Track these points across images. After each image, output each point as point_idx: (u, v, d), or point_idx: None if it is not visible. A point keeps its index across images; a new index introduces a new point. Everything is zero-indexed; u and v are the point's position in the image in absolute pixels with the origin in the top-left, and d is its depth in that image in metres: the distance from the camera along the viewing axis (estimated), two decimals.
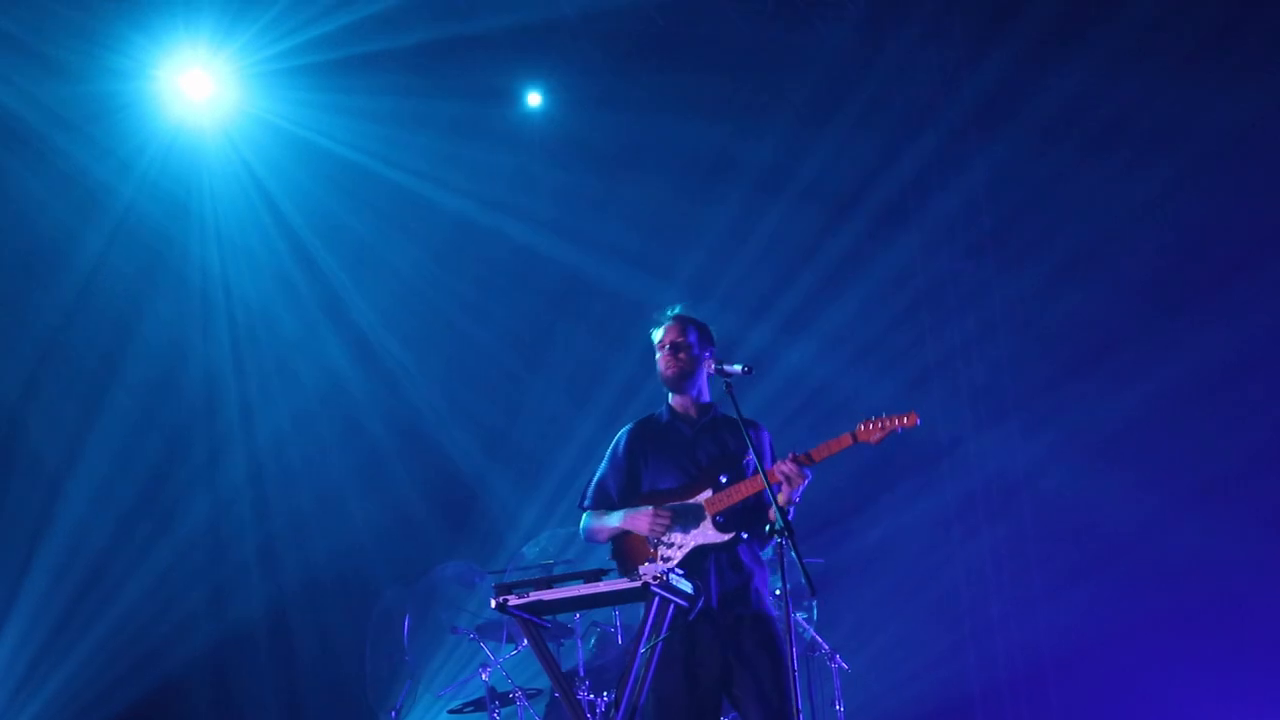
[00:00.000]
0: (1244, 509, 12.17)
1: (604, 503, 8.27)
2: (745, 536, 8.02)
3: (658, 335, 8.34)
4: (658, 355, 8.32)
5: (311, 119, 12.75)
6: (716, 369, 7.97)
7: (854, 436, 8.00)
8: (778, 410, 12.52)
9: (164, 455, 12.80)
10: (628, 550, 8.11)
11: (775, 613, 8.12)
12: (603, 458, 8.44)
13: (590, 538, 8.38)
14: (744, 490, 7.98)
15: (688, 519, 8.03)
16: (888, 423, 8.01)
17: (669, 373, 8.27)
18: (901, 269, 13.33)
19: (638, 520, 8.06)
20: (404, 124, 12.99)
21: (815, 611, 11.31)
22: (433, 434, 13.39)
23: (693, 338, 8.31)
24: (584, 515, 8.35)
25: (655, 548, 8.01)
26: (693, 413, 8.33)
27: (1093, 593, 12.61)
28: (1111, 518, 12.62)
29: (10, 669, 12.08)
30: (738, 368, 7.93)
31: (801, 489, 7.87)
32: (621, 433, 8.42)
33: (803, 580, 7.60)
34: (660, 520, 8.01)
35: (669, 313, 8.41)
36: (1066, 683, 12.73)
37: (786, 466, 7.85)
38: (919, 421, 8.03)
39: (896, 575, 13.08)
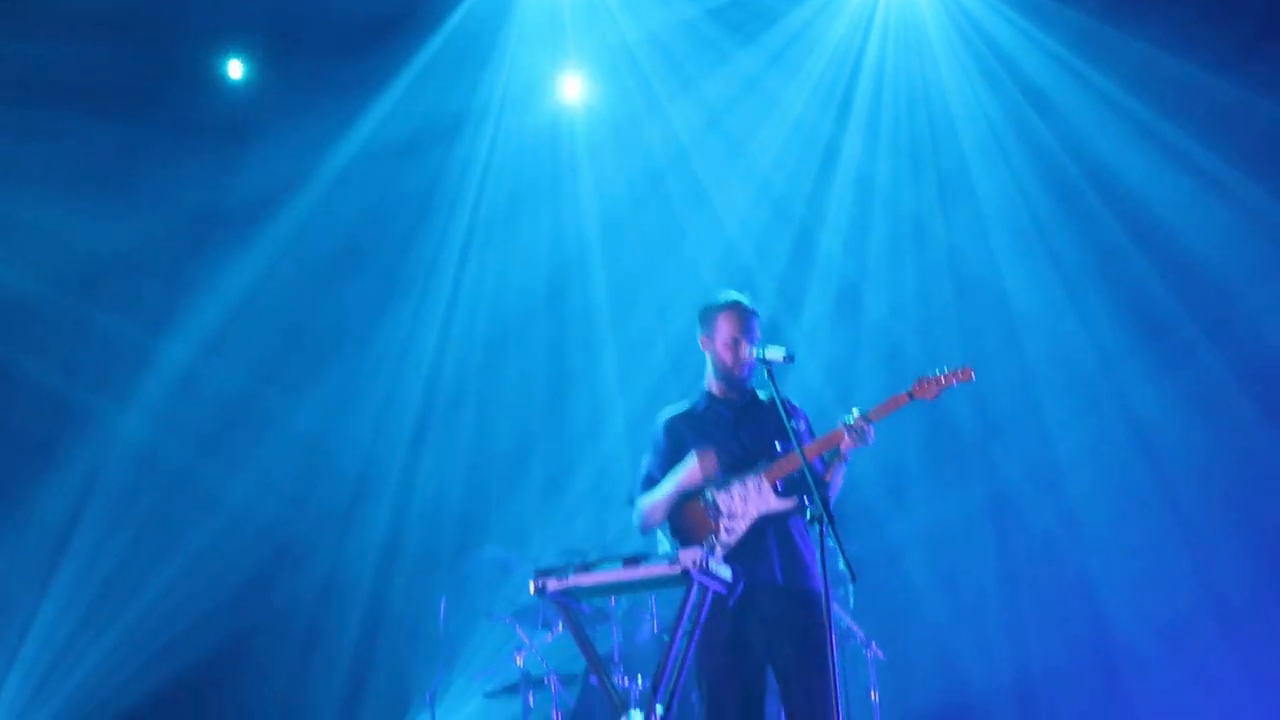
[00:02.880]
0: None
1: None
2: (808, 503, 7.99)
3: (736, 324, 8.26)
4: (733, 346, 8.24)
5: (348, 100, 12.84)
6: (759, 356, 7.97)
7: (910, 394, 8.02)
8: (812, 399, 12.53)
9: (203, 440, 12.84)
10: (688, 525, 8.10)
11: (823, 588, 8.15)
12: (643, 451, 8.44)
13: (647, 525, 8.33)
14: (797, 460, 7.93)
15: (747, 490, 8.03)
16: (944, 379, 8.03)
17: (744, 372, 8.23)
18: (939, 259, 13.31)
19: (691, 473, 8.05)
20: (444, 110, 13.08)
21: (852, 599, 11.32)
22: (473, 418, 13.41)
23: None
24: (635, 508, 8.33)
25: (717, 520, 8.00)
26: (734, 397, 8.33)
27: (1130, 587, 12.59)
28: (1150, 512, 12.60)
29: (49, 639, 12.16)
30: (780, 353, 7.93)
31: (846, 464, 7.89)
32: (659, 424, 8.40)
33: (841, 566, 7.62)
34: (708, 458, 8.00)
35: (748, 303, 8.36)
36: (1101, 677, 12.71)
37: (855, 425, 7.86)
38: (973, 377, 8.05)
39: (932, 565, 13.07)
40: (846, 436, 7.89)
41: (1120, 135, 12.75)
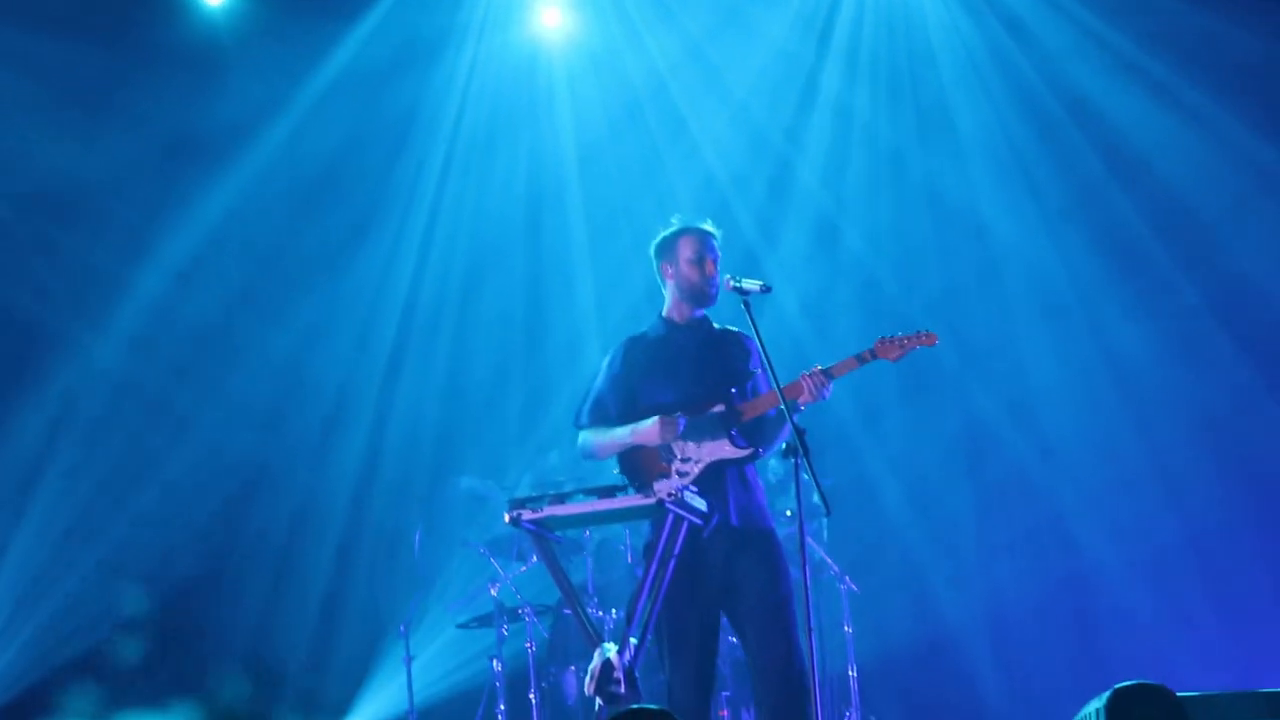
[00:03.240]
0: (1263, 438, 12.18)
1: (602, 420, 8.23)
2: (762, 452, 8.03)
3: (697, 247, 8.22)
4: (698, 263, 8.20)
5: (325, 27, 12.75)
6: (735, 285, 7.92)
7: (872, 353, 8.00)
8: (787, 331, 12.52)
9: (178, 368, 12.78)
10: (639, 465, 8.08)
11: (775, 526, 8.16)
12: (595, 375, 8.41)
13: (590, 456, 8.34)
14: (763, 405, 7.96)
15: (701, 433, 8.00)
16: (906, 342, 8.01)
17: (713, 289, 8.19)
18: (919, 191, 13.26)
19: (649, 432, 8.02)
20: (420, 36, 12.99)
21: (826, 532, 11.33)
22: (450, 347, 13.36)
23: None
24: (581, 434, 8.31)
25: (669, 462, 7.99)
26: (692, 325, 8.29)
27: (1101, 521, 12.62)
28: (1124, 446, 12.62)
29: (22, 572, 12.13)
30: (756, 285, 7.89)
31: (810, 404, 7.87)
32: (615, 348, 8.37)
33: (816, 499, 7.61)
34: (670, 426, 7.97)
35: (710, 227, 8.33)
36: (1071, 609, 12.75)
37: (815, 379, 7.83)
38: (937, 342, 8.04)
39: (906, 498, 13.08)
40: (806, 390, 7.86)
41: (1101, 68, 12.69)
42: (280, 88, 12.78)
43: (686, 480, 7.84)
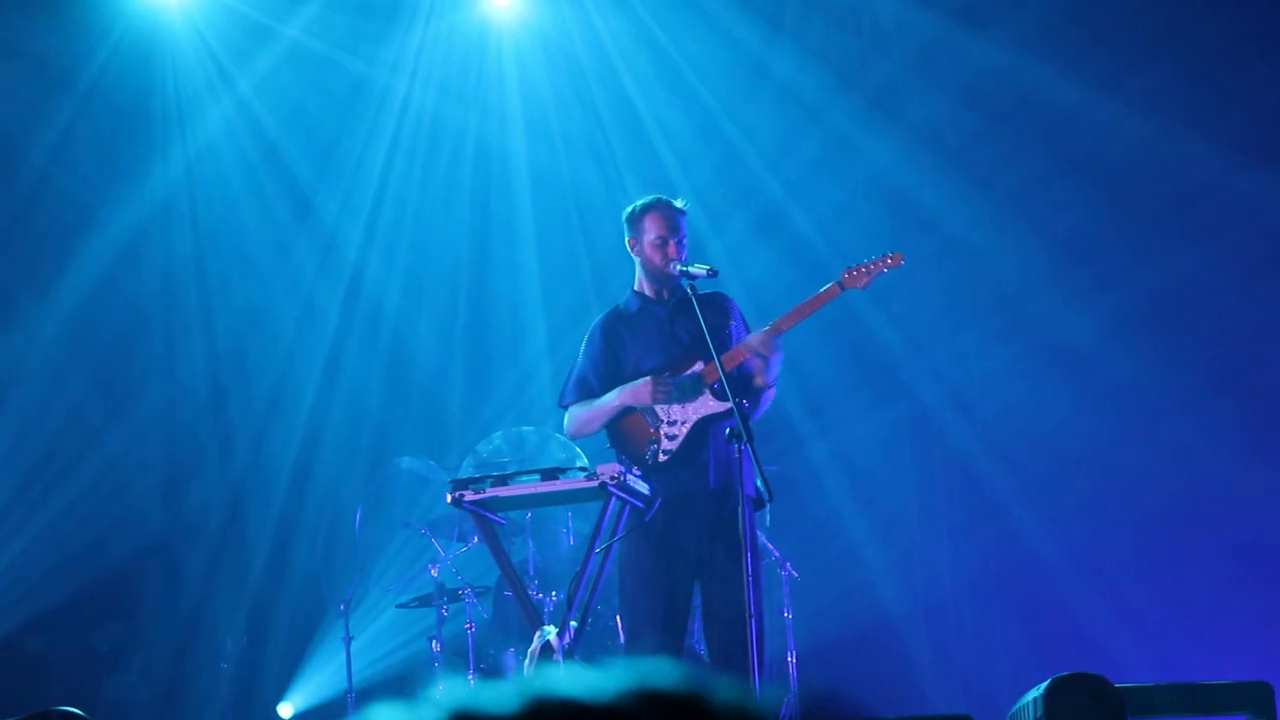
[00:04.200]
0: (1205, 430, 12.22)
1: (586, 397, 8.22)
2: (746, 404, 7.98)
3: (662, 222, 8.19)
4: (661, 245, 8.18)
5: (276, 6, 12.67)
6: (681, 270, 7.94)
7: (840, 285, 8.00)
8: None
9: (120, 343, 12.73)
10: (628, 434, 8.06)
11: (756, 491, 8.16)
12: (577, 355, 8.40)
13: (579, 432, 8.32)
14: (742, 353, 7.94)
15: (686, 393, 7.99)
16: (873, 266, 8.01)
17: (675, 272, 8.15)
18: (866, 179, 13.26)
19: (638, 392, 7.99)
20: (371, 14, 12.92)
21: (769, 518, 11.35)
22: (393, 328, 13.33)
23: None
24: (567, 413, 8.29)
25: (657, 427, 7.97)
26: (665, 296, 8.28)
27: (1043, 511, 12.67)
28: (1066, 435, 12.67)
29: None
30: (703, 270, 7.90)
31: (775, 364, 7.86)
32: (594, 325, 8.36)
33: (759, 484, 7.62)
34: (662, 388, 7.95)
35: (678, 202, 8.32)
36: (1011, 598, 12.80)
37: (756, 339, 7.84)
38: (904, 262, 8.04)
39: (848, 485, 13.10)
40: (750, 354, 7.87)
41: (1052, 58, 12.72)
42: (227, 63, 12.73)
43: (676, 443, 7.83)
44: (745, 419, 7.52)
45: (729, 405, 7.93)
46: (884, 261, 8.02)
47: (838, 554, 12.86)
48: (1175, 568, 12.27)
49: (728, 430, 7.55)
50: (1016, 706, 6.23)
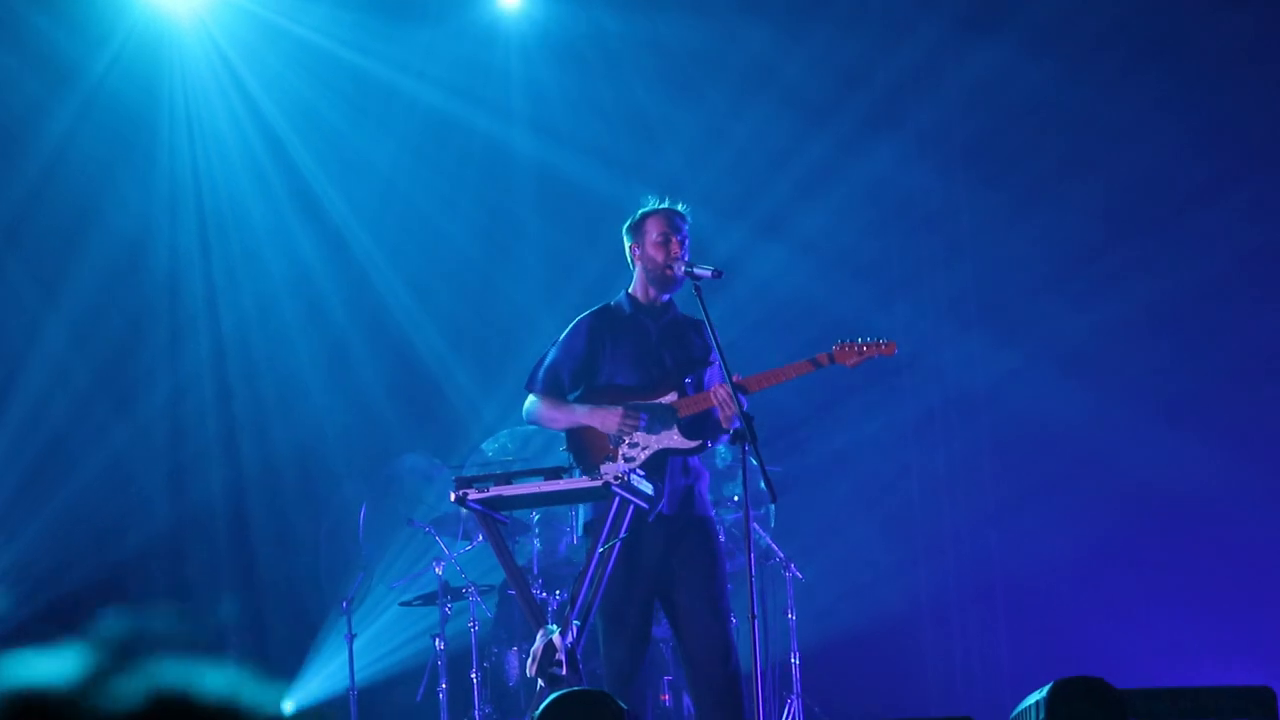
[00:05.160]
0: (1209, 433, 12.22)
1: (554, 389, 8.20)
2: (710, 445, 8.05)
3: (664, 223, 8.17)
4: (664, 244, 8.15)
5: (285, 4, 12.66)
6: (687, 271, 7.94)
7: (830, 358, 7.99)
8: (740, 318, 12.51)
9: (125, 338, 12.72)
10: (587, 444, 8.08)
11: (715, 515, 8.19)
12: (555, 342, 8.38)
13: (537, 422, 8.32)
14: (702, 403, 7.96)
15: (653, 420, 8.01)
16: (866, 348, 8.00)
17: (680, 269, 8.12)
18: (873, 181, 13.26)
19: (607, 419, 8.01)
20: (381, 13, 12.90)
21: (772, 519, 11.35)
22: (398, 326, 13.33)
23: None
24: (530, 397, 8.28)
25: (617, 446, 7.98)
26: (657, 308, 8.28)
27: (1047, 514, 12.66)
28: (1071, 438, 12.67)
29: None
30: (708, 270, 7.91)
31: (737, 418, 7.81)
32: (581, 320, 8.34)
33: (762, 485, 7.62)
34: (630, 422, 7.97)
35: (681, 206, 8.32)
36: (1014, 601, 12.80)
37: (724, 393, 7.82)
38: (896, 352, 8.05)
39: (853, 487, 13.11)
40: (718, 402, 7.87)
41: (1061, 57, 12.72)
42: (234, 59, 12.75)
43: (633, 465, 7.83)
44: (749, 420, 7.54)
45: (694, 444, 7.97)
46: (877, 346, 8.00)
47: (842, 555, 12.86)
48: (1179, 571, 12.27)
49: (732, 431, 7.56)
50: (1019, 709, 6.23)
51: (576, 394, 8.16)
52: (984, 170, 13.04)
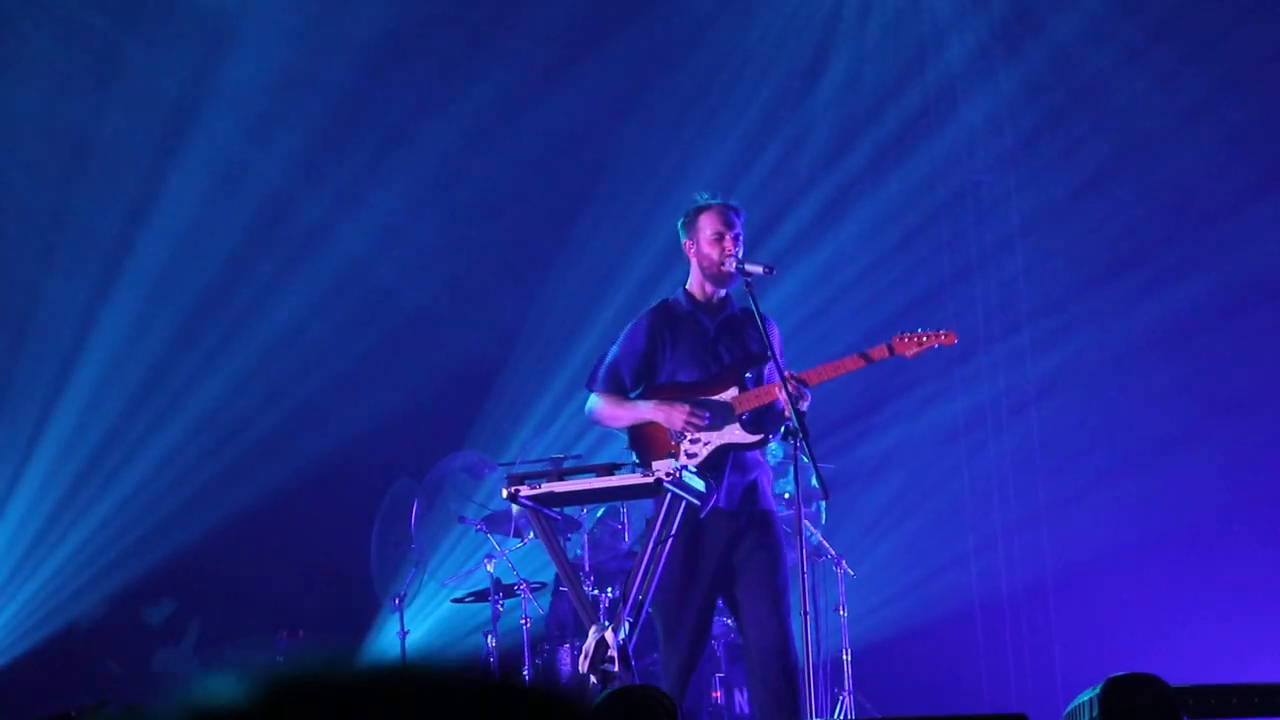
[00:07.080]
0: (1264, 431, 12.18)
1: (616, 388, 8.16)
2: (772, 438, 8.02)
3: (718, 219, 8.14)
4: (719, 235, 8.13)
5: None
6: (739, 268, 7.93)
7: (890, 349, 7.97)
8: (790, 313, 12.51)
9: (177, 334, 12.77)
10: (648, 440, 8.05)
11: (777, 509, 8.16)
12: (615, 340, 8.35)
13: (599, 421, 8.28)
14: (774, 392, 7.91)
15: (714, 416, 7.98)
16: (926, 339, 7.98)
17: (734, 265, 8.10)
18: (921, 180, 13.25)
19: (672, 415, 7.97)
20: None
21: (824, 515, 11.34)
22: (449, 323, 13.35)
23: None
24: (592, 396, 8.25)
25: (679, 442, 7.96)
26: (714, 304, 8.26)
27: (1098, 511, 12.63)
28: (1121, 436, 12.64)
29: (18, 537, 12.16)
30: (760, 267, 7.90)
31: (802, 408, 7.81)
32: (642, 318, 8.28)
33: (814, 483, 7.62)
34: (696, 419, 7.94)
35: (734, 202, 8.30)
36: (1066, 599, 12.78)
37: (791, 388, 7.80)
38: (956, 342, 8.04)
39: (903, 484, 13.09)
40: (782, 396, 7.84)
41: (1110, 55, 12.68)
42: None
43: (694, 461, 7.82)
44: (801, 416, 7.53)
45: (756, 438, 7.93)
46: (937, 336, 7.98)
47: (893, 551, 12.86)
48: (1233, 569, 12.23)
49: (783, 428, 7.56)
50: (1072, 706, 6.20)
51: (637, 393, 8.13)
52: (1033, 167, 13.00)
